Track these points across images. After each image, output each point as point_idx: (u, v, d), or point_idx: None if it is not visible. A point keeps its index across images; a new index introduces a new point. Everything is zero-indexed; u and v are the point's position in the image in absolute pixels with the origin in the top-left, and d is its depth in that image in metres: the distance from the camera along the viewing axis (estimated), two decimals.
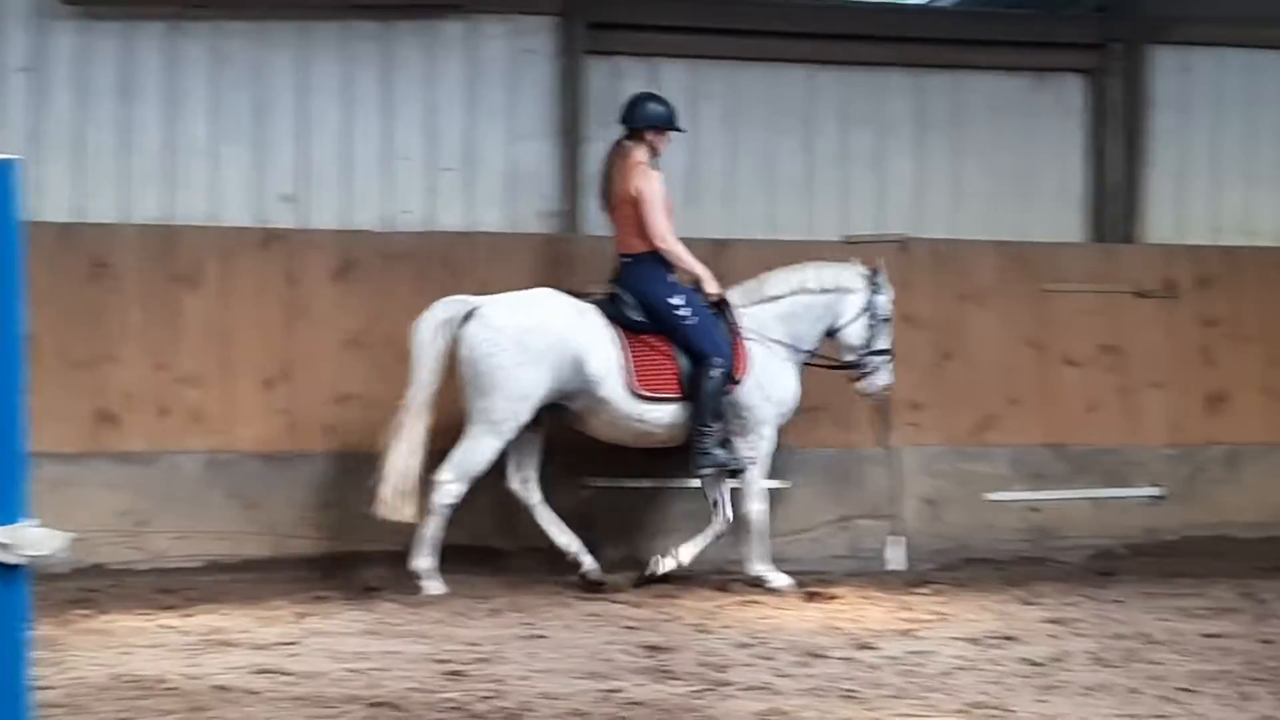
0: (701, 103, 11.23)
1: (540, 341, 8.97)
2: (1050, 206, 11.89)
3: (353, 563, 9.73)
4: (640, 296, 9.26)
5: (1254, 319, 11.58)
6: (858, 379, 9.80)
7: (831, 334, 9.73)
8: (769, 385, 9.45)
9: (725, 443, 9.31)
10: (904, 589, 9.48)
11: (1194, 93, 11.99)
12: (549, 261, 10.49)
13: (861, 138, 11.65)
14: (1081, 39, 11.90)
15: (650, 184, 9.26)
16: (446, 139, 10.97)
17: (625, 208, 9.32)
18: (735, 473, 9.45)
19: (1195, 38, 11.95)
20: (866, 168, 11.66)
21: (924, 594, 9.26)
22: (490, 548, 9.93)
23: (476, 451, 8.97)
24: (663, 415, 9.26)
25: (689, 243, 9.51)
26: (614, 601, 8.81)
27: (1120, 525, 11.16)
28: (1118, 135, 11.84)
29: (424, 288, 9.81)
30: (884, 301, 9.76)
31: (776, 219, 11.41)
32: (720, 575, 9.64)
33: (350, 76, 10.85)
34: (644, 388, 9.16)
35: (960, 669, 6.86)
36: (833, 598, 9.00)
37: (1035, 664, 6.99)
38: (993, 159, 11.79)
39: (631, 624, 8.03)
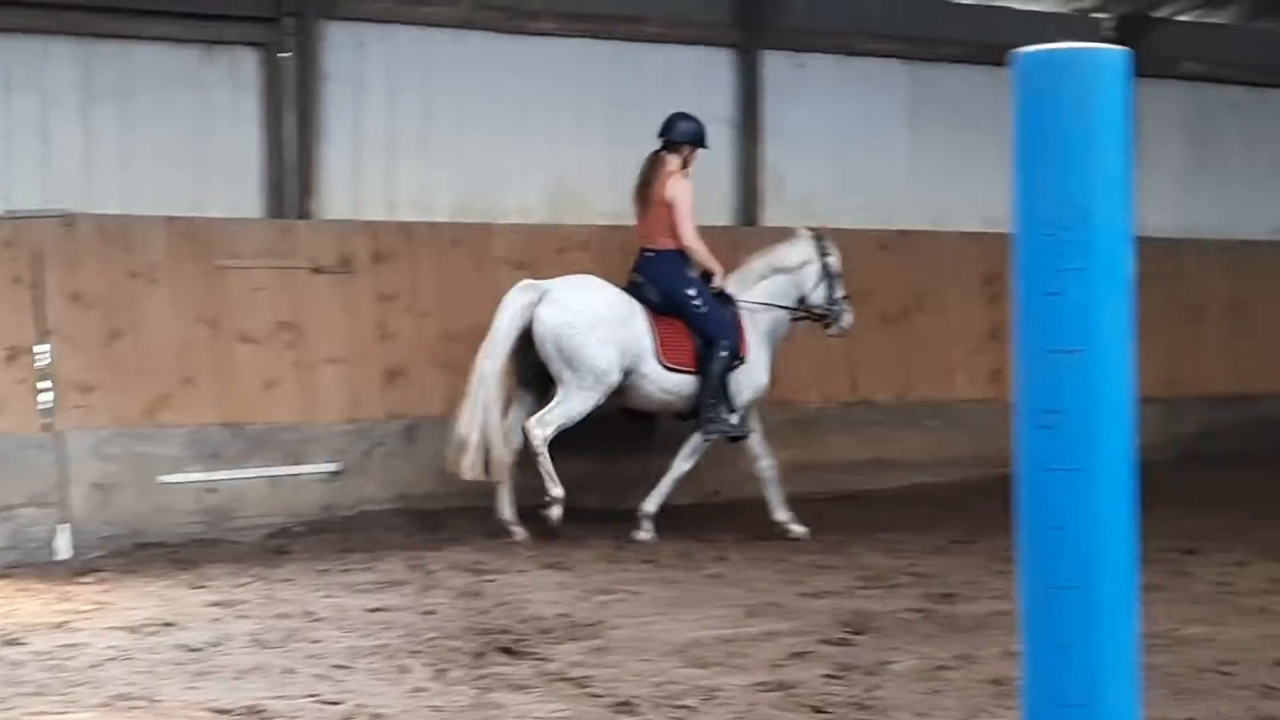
0: None
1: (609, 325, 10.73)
2: (227, 182, 11.92)
3: None
4: (662, 286, 10.97)
5: (430, 294, 12.09)
6: (828, 325, 11.65)
7: (802, 301, 11.49)
8: (751, 372, 11.15)
9: (732, 412, 10.90)
10: (68, 579, 9.33)
11: (368, 69, 12.34)
12: None
13: (25, 107, 11.28)
14: (255, 12, 11.98)
15: (684, 192, 10.96)
16: None
17: (658, 209, 10.95)
18: (737, 439, 11.06)
19: (370, 14, 12.31)
20: (31, 139, 11.31)
21: (87, 583, 9.15)
22: None
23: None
24: (683, 386, 10.92)
25: None
26: None
27: (297, 503, 11.41)
28: (293, 110, 12.03)
29: None
30: (834, 260, 11.50)
31: None
32: None
33: None
34: (669, 360, 10.84)
35: (112, 660, 6.84)
36: None
37: (192, 649, 7.07)
38: (165, 133, 11.70)
39: None
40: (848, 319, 11.68)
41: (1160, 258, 15.12)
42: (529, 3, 12.66)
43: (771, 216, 13.38)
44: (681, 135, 11.11)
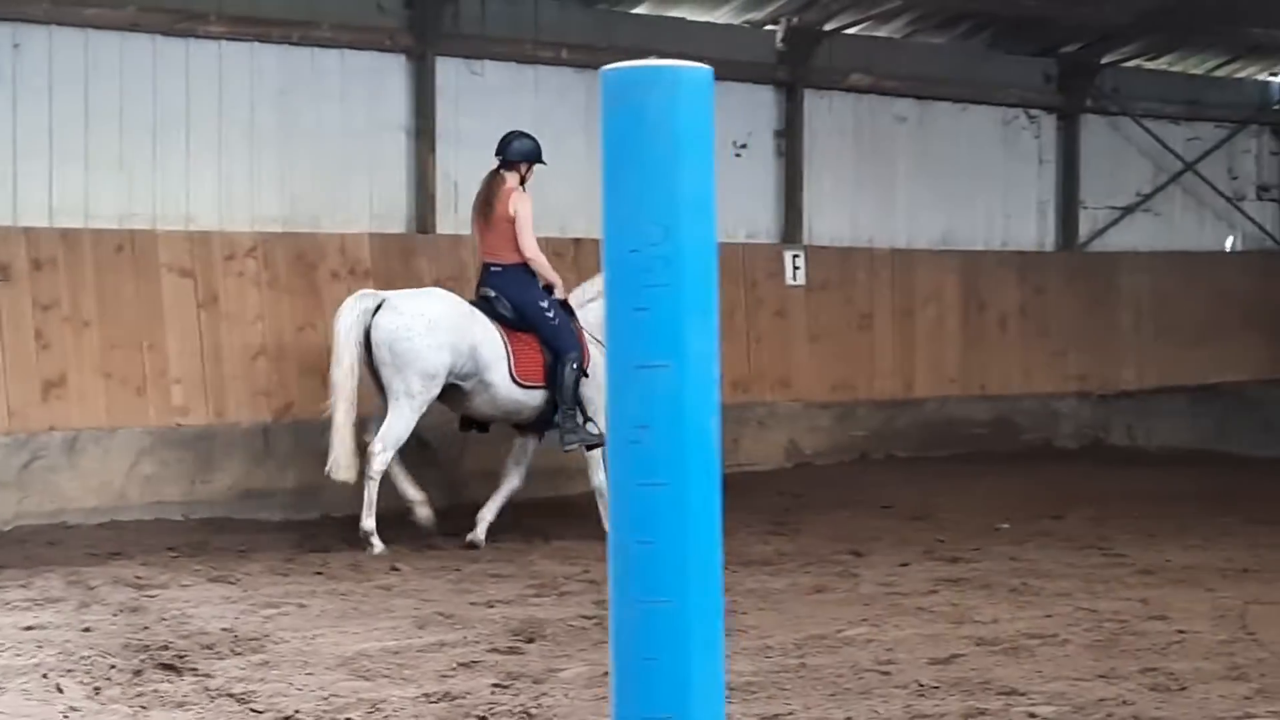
0: None
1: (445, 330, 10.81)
2: None
3: None
4: (514, 300, 11.17)
5: (92, 302, 11.78)
6: None
7: None
8: (601, 377, 9.64)
9: (586, 420, 11.22)
10: None
11: (26, 70, 11.88)
12: None
13: None
14: None
15: (525, 207, 11.23)
16: None
17: (502, 225, 11.21)
18: (592, 446, 11.25)
19: (27, 15, 11.83)
20: None
21: None
22: None
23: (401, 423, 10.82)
24: (533, 399, 11.17)
25: None
26: None
27: None
28: None
29: None
30: None
31: None
32: None
33: None
34: (522, 376, 11.04)
35: None
36: None
37: None
38: None
39: None
40: None
41: (832, 266, 15.61)
42: (197, 5, 12.39)
43: (446, 224, 13.36)
44: (516, 154, 11.37)
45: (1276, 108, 19.71)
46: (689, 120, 3.32)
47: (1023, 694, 6.67)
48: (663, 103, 3.29)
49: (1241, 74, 19.52)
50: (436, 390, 10.88)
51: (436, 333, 10.81)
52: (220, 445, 12.10)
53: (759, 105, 15.42)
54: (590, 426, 11.29)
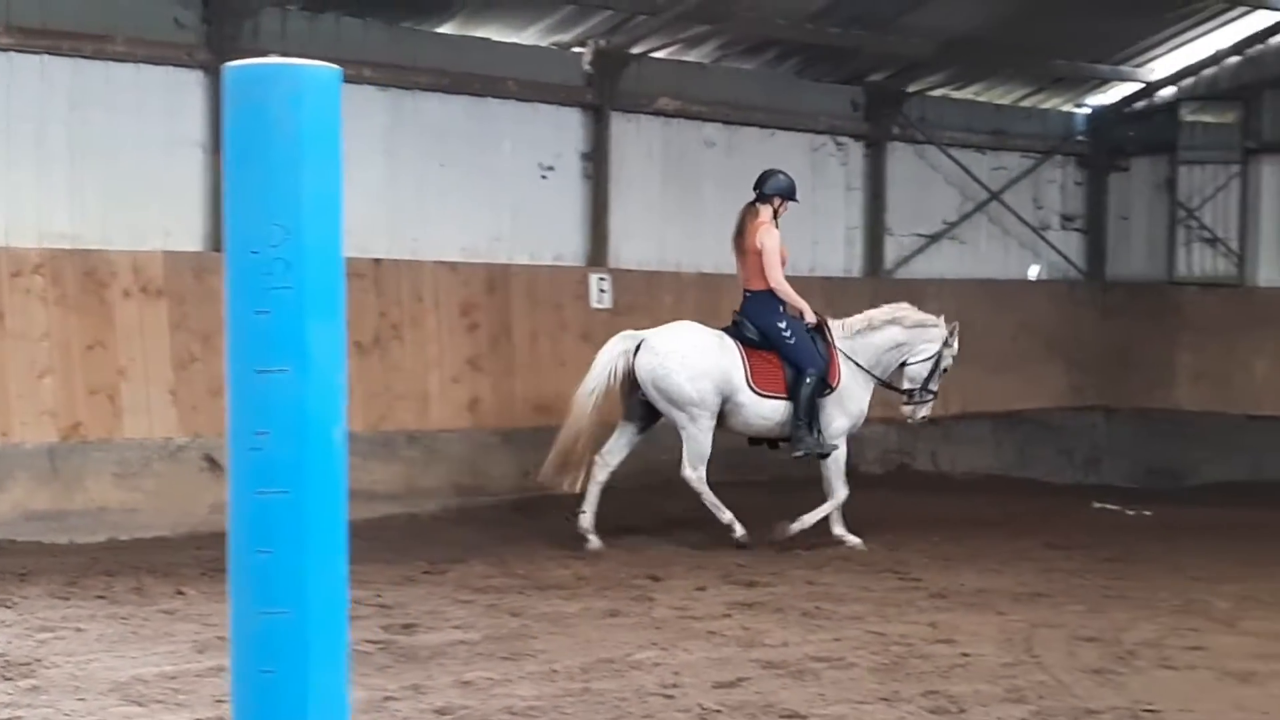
0: None
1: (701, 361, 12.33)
2: None
3: None
4: (757, 322, 12.50)
5: None
6: (907, 405, 13.15)
7: (902, 366, 12.97)
8: (847, 401, 12.64)
9: (817, 434, 12.38)
10: None
11: None
12: None
13: None
14: None
15: (772, 240, 12.44)
16: None
17: (752, 256, 12.51)
18: (823, 456, 12.46)
19: None
20: None
21: None
22: None
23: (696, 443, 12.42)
24: (774, 411, 12.41)
25: None
26: None
27: None
28: None
29: None
30: (949, 357, 13.03)
31: None
32: None
33: None
34: (760, 387, 12.31)
35: None
36: None
37: None
38: None
39: None
40: (924, 411, 13.19)
41: (638, 289, 15.72)
42: None
43: None
44: (771, 190, 12.64)
45: (1080, 139, 20.26)
46: (313, 120, 3.26)
47: (804, 717, 6.81)
48: (286, 101, 3.23)
49: (1046, 105, 20.05)
50: (713, 412, 12.31)
51: (688, 365, 12.25)
52: (3, 466, 11.86)
53: (566, 127, 15.50)
54: (824, 438, 12.45)
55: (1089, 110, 20.26)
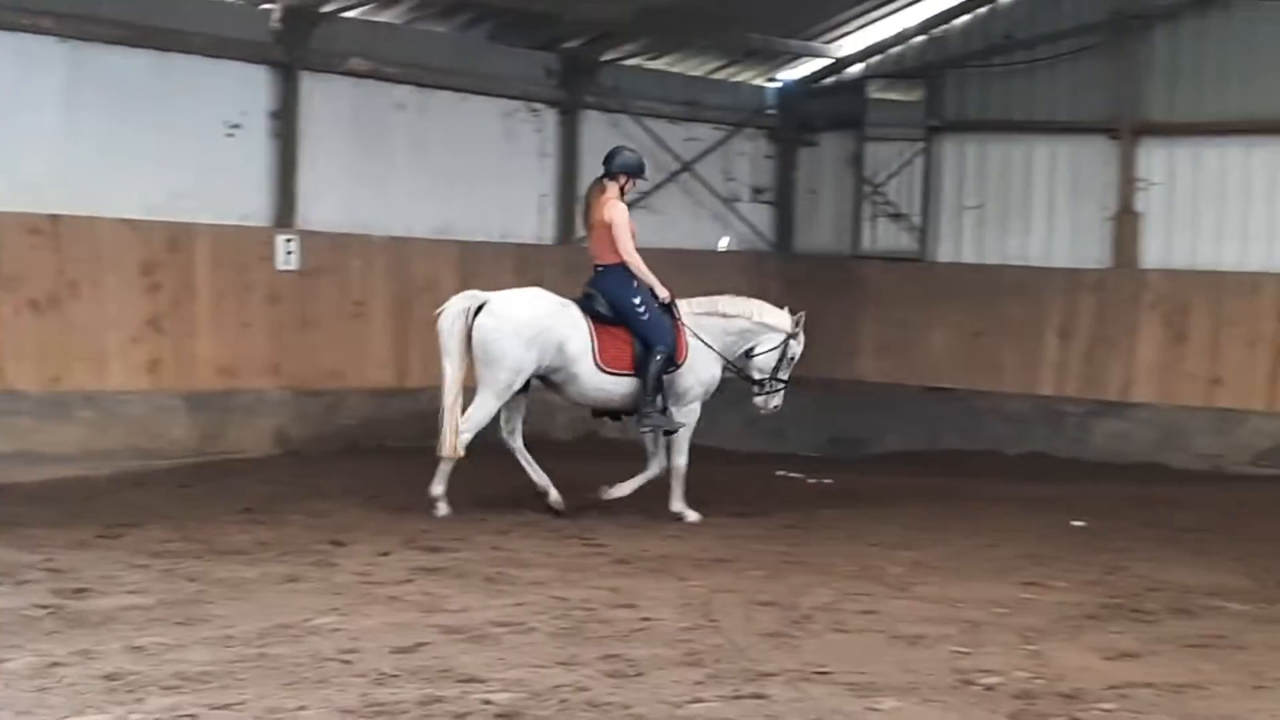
0: None
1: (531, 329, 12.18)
2: None
3: None
4: (610, 296, 12.44)
5: None
6: (755, 394, 13.19)
7: (750, 356, 13.06)
8: (700, 369, 12.74)
9: (664, 410, 12.47)
10: None
11: None
12: None
13: None
14: None
15: (620, 214, 12.46)
16: None
17: (600, 230, 12.52)
18: (669, 433, 12.62)
19: None
20: None
21: None
22: None
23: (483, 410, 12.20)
24: (615, 385, 12.47)
25: None
26: None
27: None
28: None
29: None
30: (796, 348, 13.19)
31: None
32: None
33: None
34: (606, 363, 12.36)
35: None
36: None
37: None
38: None
39: None
40: (776, 401, 13.23)
41: (326, 252, 15.57)
42: None
43: None
44: (618, 167, 12.61)
45: (771, 112, 20.66)
46: None
47: (482, 681, 6.82)
48: None
49: (738, 78, 20.42)
50: (518, 383, 12.19)
51: (523, 332, 12.11)
52: None
53: (253, 85, 15.24)
54: (672, 415, 12.53)
55: (779, 84, 20.68)
